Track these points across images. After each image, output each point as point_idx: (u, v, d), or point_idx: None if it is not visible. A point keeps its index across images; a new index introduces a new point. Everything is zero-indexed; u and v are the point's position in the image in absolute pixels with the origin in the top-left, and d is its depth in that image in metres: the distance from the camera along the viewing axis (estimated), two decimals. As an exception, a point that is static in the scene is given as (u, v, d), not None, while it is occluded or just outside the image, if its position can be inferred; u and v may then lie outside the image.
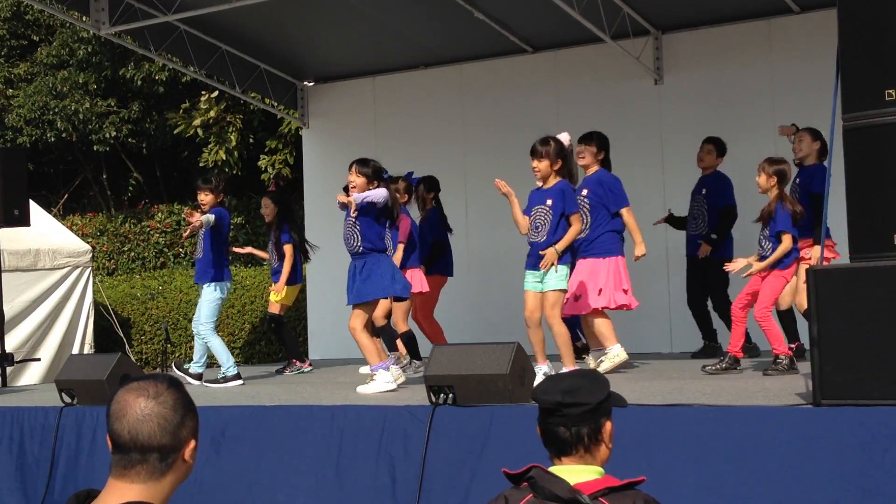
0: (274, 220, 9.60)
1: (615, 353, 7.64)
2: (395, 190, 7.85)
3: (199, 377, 8.49)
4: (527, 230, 7.19)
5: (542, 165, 7.12)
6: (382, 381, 7.07)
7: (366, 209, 7.16)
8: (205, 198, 8.58)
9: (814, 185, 7.67)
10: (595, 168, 7.93)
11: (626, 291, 7.72)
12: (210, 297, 8.40)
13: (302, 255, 9.72)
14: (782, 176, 7.15)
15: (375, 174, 7.31)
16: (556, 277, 7.06)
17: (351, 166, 7.38)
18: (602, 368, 7.51)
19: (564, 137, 7.24)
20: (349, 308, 8.69)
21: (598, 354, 7.75)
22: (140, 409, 2.30)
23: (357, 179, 7.30)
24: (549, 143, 7.12)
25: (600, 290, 7.66)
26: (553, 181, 7.15)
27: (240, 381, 8.38)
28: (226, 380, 8.34)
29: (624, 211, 7.82)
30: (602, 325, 7.70)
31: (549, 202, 7.10)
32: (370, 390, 7.03)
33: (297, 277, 9.71)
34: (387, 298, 7.85)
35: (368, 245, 7.17)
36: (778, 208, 7.05)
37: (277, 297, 9.53)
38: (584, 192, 7.79)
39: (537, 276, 7.10)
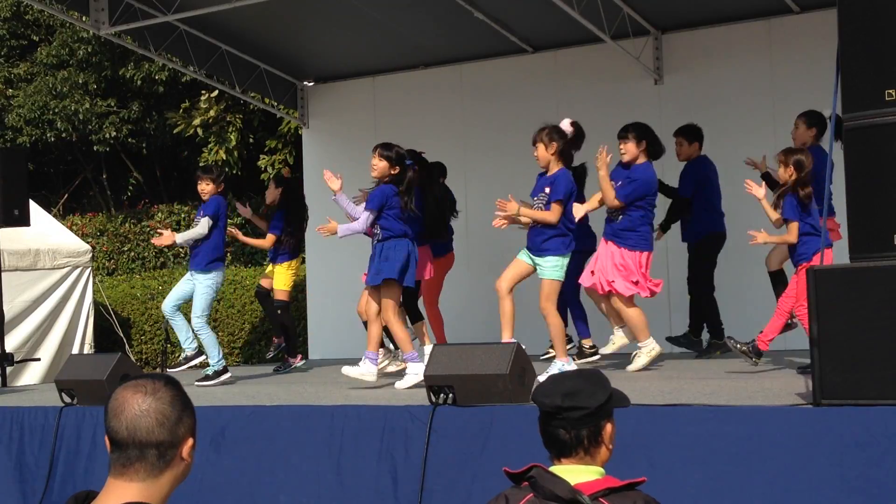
0: (275, 205, 9.59)
1: (651, 348, 7.63)
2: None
3: (224, 370, 8.48)
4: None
5: (539, 151, 7.23)
6: (414, 372, 7.16)
7: (373, 209, 7.33)
8: (206, 187, 8.55)
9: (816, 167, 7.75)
10: (643, 159, 7.68)
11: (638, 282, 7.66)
12: (204, 286, 8.36)
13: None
14: (799, 166, 7.06)
15: (398, 159, 7.37)
16: (552, 267, 7.09)
17: (375, 150, 7.44)
18: (639, 364, 7.55)
19: (564, 124, 7.34)
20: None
21: (625, 331, 7.74)
22: (138, 405, 2.31)
23: (379, 163, 7.36)
24: (545, 128, 7.23)
25: (637, 282, 7.59)
26: (555, 167, 7.21)
27: (227, 375, 8.44)
28: (217, 374, 8.37)
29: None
30: (636, 318, 7.60)
31: (547, 189, 7.19)
32: (406, 384, 7.16)
33: (283, 258, 9.59)
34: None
35: (387, 233, 7.33)
36: (787, 198, 7.09)
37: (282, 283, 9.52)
38: (620, 182, 7.71)
39: (528, 255, 7.24)
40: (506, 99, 11.37)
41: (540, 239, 7.17)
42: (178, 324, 8.49)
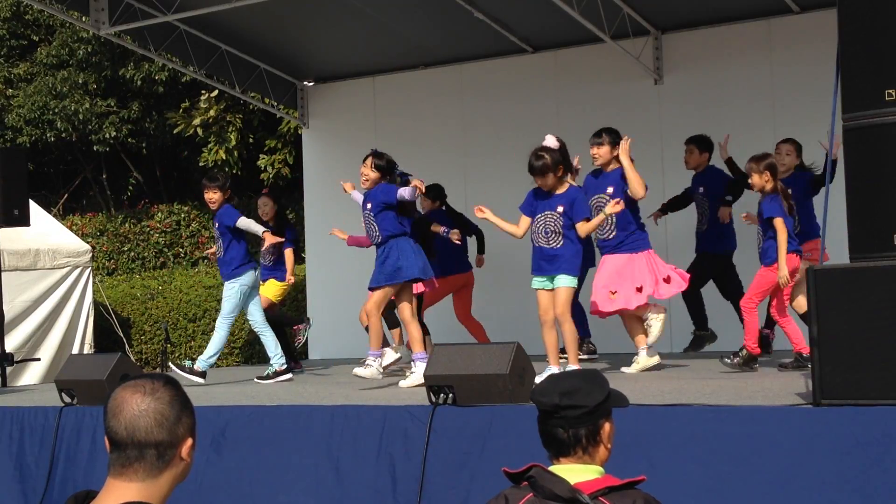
0: (273, 220, 9.61)
1: (651, 357, 7.58)
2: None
3: (203, 374, 8.50)
4: (523, 234, 7.26)
5: (549, 180, 7.09)
6: (374, 368, 7.29)
7: (385, 205, 7.36)
8: (213, 195, 8.57)
9: (800, 193, 7.85)
10: (616, 165, 7.56)
11: (666, 280, 7.57)
12: (229, 293, 8.48)
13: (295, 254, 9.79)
14: (773, 169, 7.16)
15: (389, 168, 7.44)
16: (568, 278, 7.09)
17: (366, 159, 7.47)
18: (636, 369, 7.48)
19: (551, 141, 7.19)
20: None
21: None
22: (137, 405, 2.31)
23: (371, 174, 7.39)
24: (544, 156, 7.06)
25: (640, 287, 7.49)
26: (562, 188, 7.16)
27: (289, 376, 8.48)
28: (276, 374, 8.44)
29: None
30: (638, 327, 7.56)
31: (559, 209, 7.11)
32: (410, 383, 7.18)
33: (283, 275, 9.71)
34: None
35: (386, 233, 7.35)
36: (766, 199, 7.11)
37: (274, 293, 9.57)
38: (610, 189, 7.53)
39: (545, 279, 7.15)
40: (506, 99, 11.37)
41: (556, 265, 7.10)
42: (267, 338, 8.57)
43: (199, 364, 8.46)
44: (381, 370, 7.37)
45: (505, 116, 11.25)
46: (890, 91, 4.95)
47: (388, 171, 7.43)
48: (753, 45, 10.27)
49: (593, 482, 2.78)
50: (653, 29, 10.58)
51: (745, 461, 4.80)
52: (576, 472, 2.81)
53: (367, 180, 7.41)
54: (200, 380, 8.41)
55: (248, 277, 8.52)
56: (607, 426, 2.90)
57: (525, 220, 7.24)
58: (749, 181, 7.29)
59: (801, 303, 7.30)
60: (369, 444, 5.80)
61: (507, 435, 5.38)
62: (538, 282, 7.18)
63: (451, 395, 5.71)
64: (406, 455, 5.65)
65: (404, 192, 7.27)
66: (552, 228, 7.09)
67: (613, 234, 7.56)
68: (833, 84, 5.37)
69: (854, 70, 5.10)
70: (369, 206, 7.44)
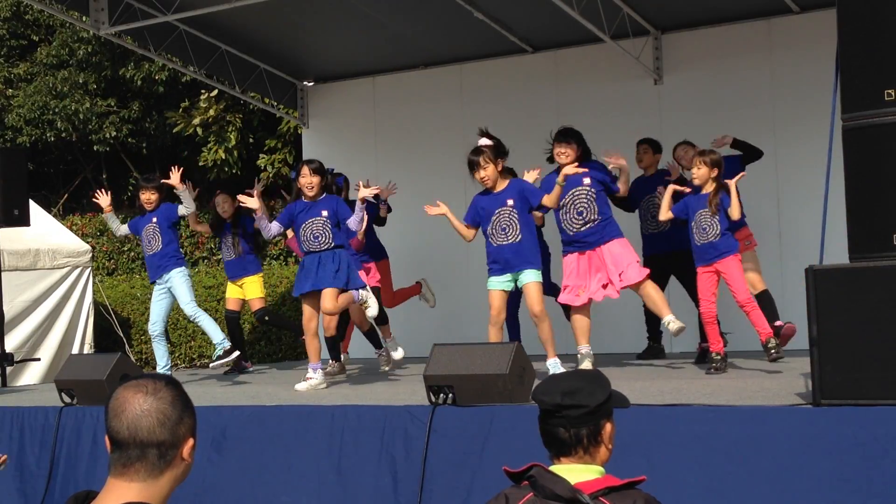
0: (233, 216, 9.68)
1: (675, 318, 7.49)
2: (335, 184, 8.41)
3: (231, 350, 8.53)
4: (472, 237, 7.48)
5: (489, 171, 7.30)
6: (317, 379, 7.57)
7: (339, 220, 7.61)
8: (151, 196, 8.75)
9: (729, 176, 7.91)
10: (576, 168, 7.59)
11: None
12: (184, 279, 8.54)
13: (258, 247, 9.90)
14: (720, 166, 7.40)
15: (323, 169, 7.75)
16: (534, 272, 7.14)
17: (301, 169, 7.70)
18: (676, 328, 7.41)
19: (484, 142, 7.44)
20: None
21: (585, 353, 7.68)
22: (139, 404, 2.31)
23: (314, 178, 7.62)
24: (482, 150, 7.33)
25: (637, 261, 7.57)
26: (503, 183, 7.33)
27: (236, 353, 8.56)
28: (227, 353, 8.46)
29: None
30: (659, 293, 7.58)
31: (509, 202, 7.22)
32: (304, 387, 7.49)
33: (259, 268, 9.82)
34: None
35: (339, 241, 7.60)
36: (724, 198, 7.26)
37: (256, 293, 9.59)
38: (587, 181, 7.57)
39: (505, 279, 7.23)
40: (505, 99, 11.37)
41: (520, 258, 7.20)
42: (206, 320, 8.55)
43: (223, 347, 8.49)
44: (323, 379, 7.65)
45: (505, 117, 11.22)
46: (890, 91, 4.95)
47: (324, 171, 7.70)
48: (753, 45, 10.27)
49: (594, 482, 2.78)
50: (653, 29, 10.58)
51: (745, 461, 4.80)
52: (576, 472, 2.81)
53: (313, 187, 7.61)
54: (236, 353, 8.53)
55: (186, 266, 8.73)
56: (608, 426, 2.90)
57: (471, 231, 7.46)
58: (693, 174, 7.38)
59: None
60: (370, 444, 5.80)
61: (507, 435, 5.38)
62: (497, 282, 7.25)
63: (451, 395, 5.72)
64: (406, 455, 5.65)
65: (352, 224, 7.54)
66: (507, 223, 7.21)
67: (597, 219, 7.54)
68: (833, 84, 5.38)
69: (854, 70, 5.10)
70: (325, 213, 7.58)
